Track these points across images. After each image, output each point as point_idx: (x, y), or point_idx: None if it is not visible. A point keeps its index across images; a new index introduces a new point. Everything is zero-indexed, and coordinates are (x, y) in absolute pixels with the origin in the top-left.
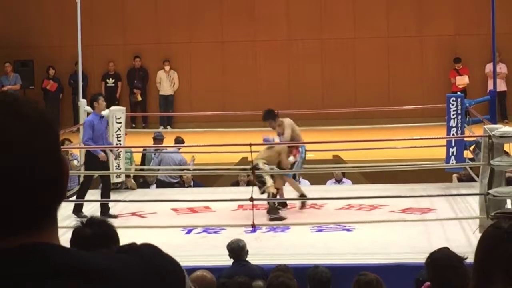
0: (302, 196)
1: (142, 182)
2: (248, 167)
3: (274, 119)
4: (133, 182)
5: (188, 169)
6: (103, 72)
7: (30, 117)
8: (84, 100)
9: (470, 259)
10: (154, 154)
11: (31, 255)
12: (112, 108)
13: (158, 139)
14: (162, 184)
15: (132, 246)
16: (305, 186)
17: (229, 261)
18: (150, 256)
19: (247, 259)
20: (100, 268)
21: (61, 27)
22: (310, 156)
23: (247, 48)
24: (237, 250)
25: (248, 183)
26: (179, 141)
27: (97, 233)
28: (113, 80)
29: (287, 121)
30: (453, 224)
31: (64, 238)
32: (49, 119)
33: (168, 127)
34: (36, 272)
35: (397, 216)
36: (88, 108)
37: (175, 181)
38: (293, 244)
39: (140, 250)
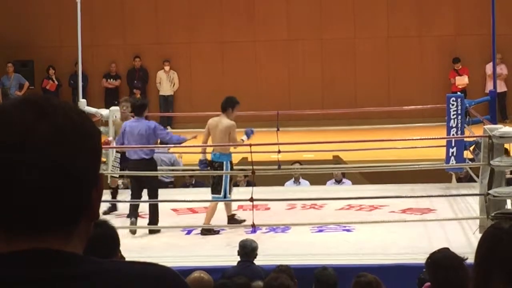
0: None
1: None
2: (249, 167)
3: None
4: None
5: (192, 170)
6: (104, 72)
7: (58, 121)
8: (84, 100)
9: (471, 259)
10: None
11: (29, 261)
12: (112, 108)
13: None
14: None
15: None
16: (305, 187)
17: (229, 262)
18: (169, 273)
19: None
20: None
21: (61, 27)
22: (310, 156)
23: (247, 48)
24: (247, 248)
25: (248, 183)
26: None
27: (98, 233)
28: (114, 81)
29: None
30: (453, 225)
31: None
32: (82, 129)
33: (168, 127)
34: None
35: (397, 217)
36: (88, 108)
37: (168, 180)
38: (293, 244)
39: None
